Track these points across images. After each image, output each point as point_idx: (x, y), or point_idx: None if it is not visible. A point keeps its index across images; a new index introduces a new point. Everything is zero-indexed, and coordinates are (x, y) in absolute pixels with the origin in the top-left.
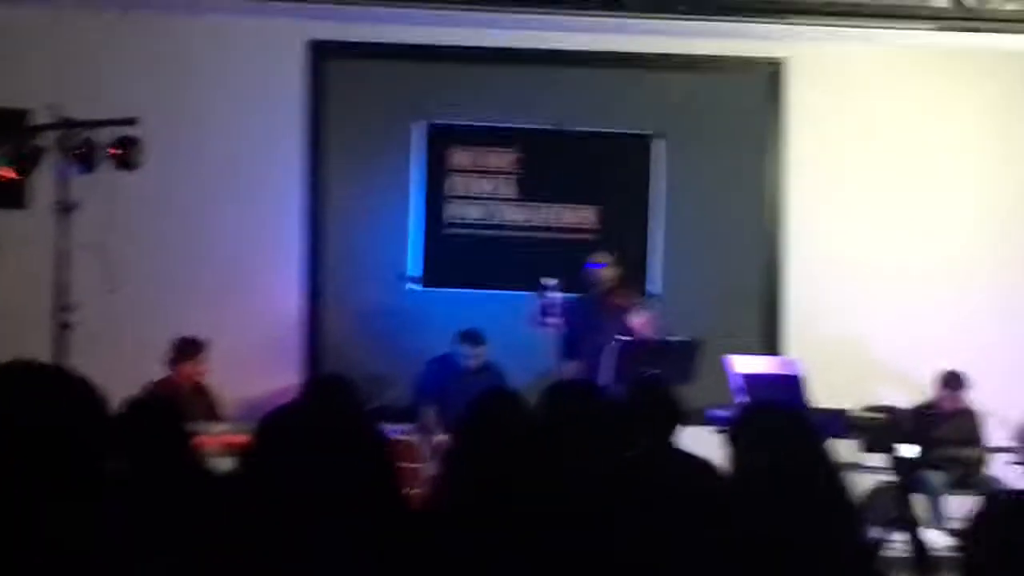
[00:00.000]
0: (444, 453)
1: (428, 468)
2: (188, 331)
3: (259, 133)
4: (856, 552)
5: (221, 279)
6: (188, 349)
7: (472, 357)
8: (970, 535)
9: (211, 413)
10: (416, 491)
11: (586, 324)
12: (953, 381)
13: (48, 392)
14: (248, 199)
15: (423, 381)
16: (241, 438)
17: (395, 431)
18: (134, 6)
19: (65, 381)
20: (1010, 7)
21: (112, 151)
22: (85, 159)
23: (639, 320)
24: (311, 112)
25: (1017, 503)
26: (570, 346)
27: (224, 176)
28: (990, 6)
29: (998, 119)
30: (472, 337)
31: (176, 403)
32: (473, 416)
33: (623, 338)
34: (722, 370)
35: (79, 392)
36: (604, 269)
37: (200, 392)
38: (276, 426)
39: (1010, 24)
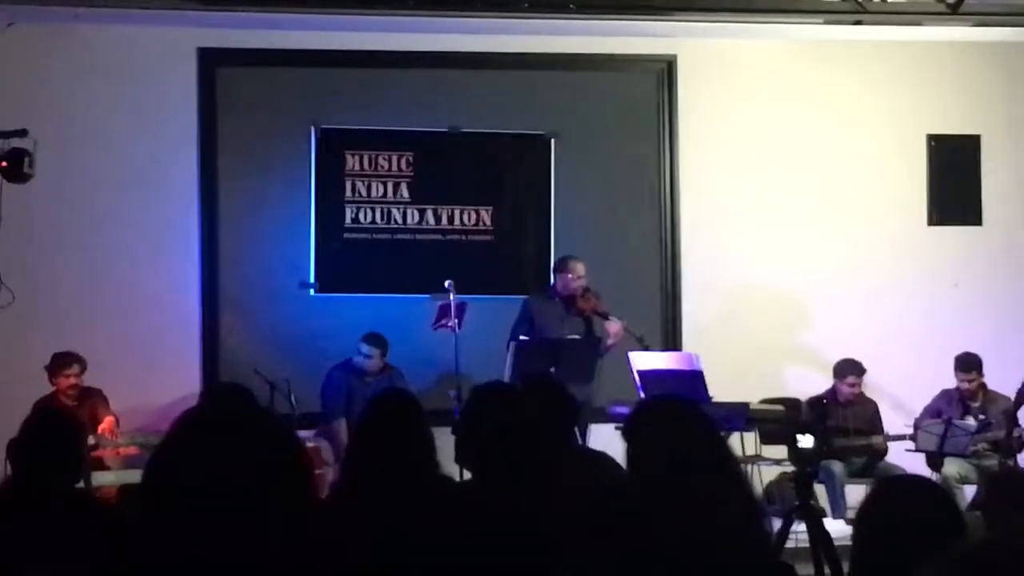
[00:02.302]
0: (345, 455)
1: (333, 472)
2: (84, 343)
3: (153, 141)
4: (757, 543)
5: (117, 289)
6: (55, 362)
7: (375, 359)
8: (861, 519)
9: (104, 411)
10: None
11: (554, 330)
12: (850, 370)
13: None
14: (143, 208)
15: (328, 393)
16: (133, 449)
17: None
18: (21, 17)
19: None
20: (895, 0)
21: (2, 164)
22: None
23: (615, 328)
24: (205, 120)
25: (905, 487)
26: (528, 354)
27: (118, 186)
28: None
29: (886, 108)
30: (376, 340)
31: (70, 419)
32: (371, 418)
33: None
34: (626, 367)
35: None
36: (580, 267)
37: (88, 396)
38: (180, 436)
39: (896, 16)
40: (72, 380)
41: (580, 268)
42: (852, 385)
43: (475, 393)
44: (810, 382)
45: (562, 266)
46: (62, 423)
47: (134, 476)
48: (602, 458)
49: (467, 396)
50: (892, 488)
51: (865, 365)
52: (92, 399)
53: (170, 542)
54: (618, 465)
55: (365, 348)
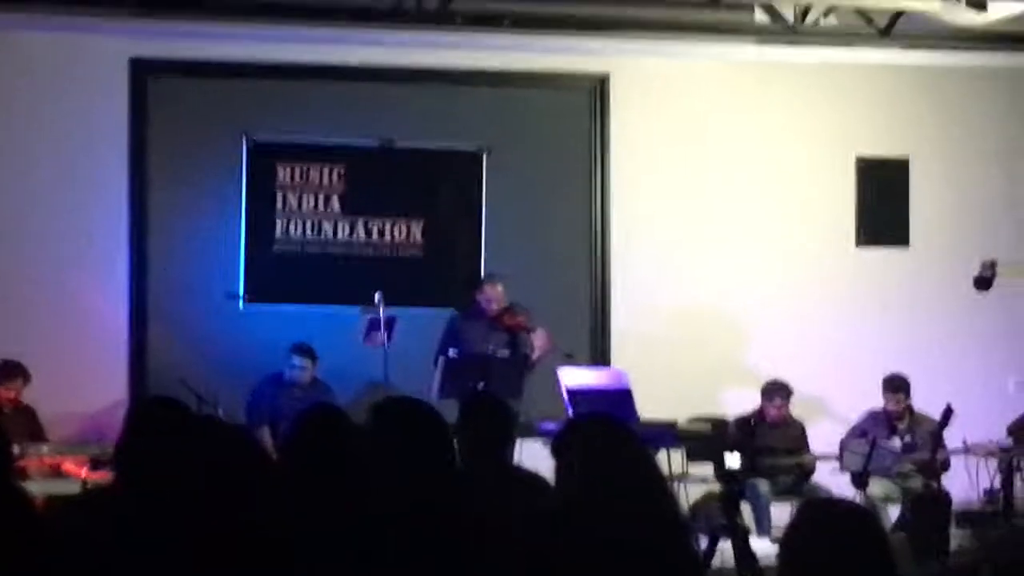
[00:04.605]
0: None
1: None
2: (12, 352)
3: (83, 150)
4: (683, 561)
5: (46, 299)
6: (3, 373)
7: (302, 369)
8: (787, 544)
9: (34, 434)
10: None
11: (479, 345)
12: (776, 391)
13: None
14: (73, 217)
15: (255, 401)
16: (66, 460)
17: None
18: None
19: None
20: (827, 22)
21: None
22: None
23: (541, 340)
24: (136, 129)
25: (830, 510)
26: (456, 370)
27: (48, 194)
28: (809, 21)
29: (817, 129)
30: (304, 350)
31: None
32: (297, 433)
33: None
34: (555, 383)
35: None
36: (496, 289)
37: (22, 414)
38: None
39: (828, 38)
40: (12, 394)
41: (491, 291)
42: (779, 407)
43: (375, 409)
44: (739, 401)
45: (478, 286)
46: None
47: (58, 487)
48: (534, 477)
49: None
50: (817, 511)
51: (794, 384)
52: (27, 416)
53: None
54: (549, 487)
55: (296, 360)
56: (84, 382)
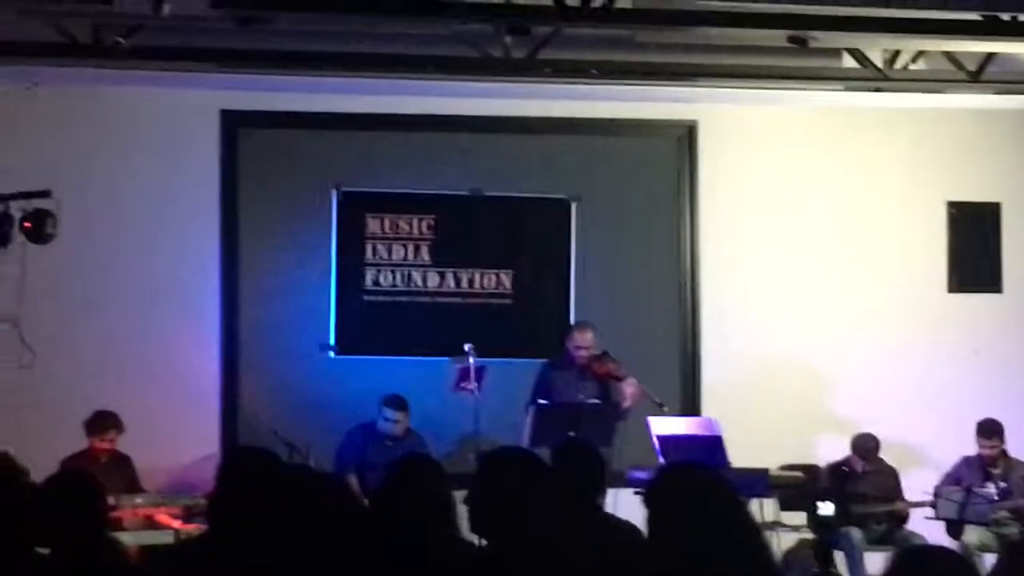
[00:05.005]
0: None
1: None
2: (105, 404)
3: (174, 203)
4: None
5: (138, 351)
6: (96, 422)
7: (395, 422)
8: None
9: (130, 485)
10: None
11: (569, 394)
12: (866, 445)
13: None
14: (164, 269)
15: (344, 448)
16: (161, 511)
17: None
18: (45, 78)
19: None
20: (916, 67)
21: (25, 224)
22: None
23: (632, 388)
24: (226, 181)
25: (927, 557)
26: (547, 418)
27: (139, 246)
28: (898, 66)
29: (907, 175)
30: (396, 402)
31: (91, 479)
32: (391, 481)
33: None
34: (646, 432)
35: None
36: (586, 336)
37: (119, 464)
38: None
39: (917, 83)
40: (107, 444)
41: (580, 338)
42: (868, 460)
43: (489, 459)
44: (830, 448)
45: (568, 334)
46: (83, 485)
47: (152, 537)
48: (627, 526)
49: (479, 462)
50: (914, 558)
51: (886, 431)
52: (123, 464)
53: None
54: (641, 533)
55: (389, 412)
56: (177, 434)
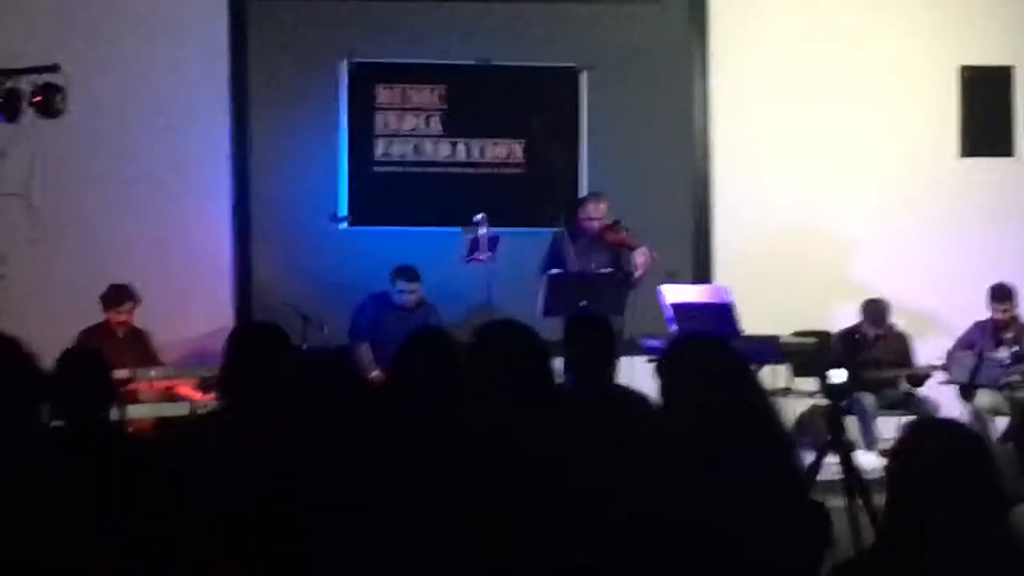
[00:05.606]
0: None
1: None
2: (117, 276)
3: (183, 75)
4: (788, 476)
5: (149, 223)
6: (112, 296)
7: (408, 293)
8: (893, 464)
9: (147, 358)
10: None
11: (581, 263)
12: (876, 309)
13: None
14: (174, 142)
15: (357, 318)
16: (177, 383)
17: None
18: None
19: None
20: None
21: (34, 99)
22: (7, 108)
23: (643, 257)
24: (235, 52)
25: (938, 429)
26: (559, 288)
27: (149, 120)
28: None
29: (918, 41)
30: (408, 273)
31: (101, 354)
32: (406, 354)
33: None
34: (657, 300)
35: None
36: (599, 206)
37: (135, 337)
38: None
39: None
40: (123, 317)
41: (593, 208)
42: (879, 325)
43: (483, 332)
44: (844, 316)
45: (580, 204)
46: (88, 357)
47: (168, 409)
48: (637, 397)
49: (473, 335)
50: (922, 433)
51: (898, 297)
52: (139, 338)
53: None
54: (651, 404)
55: (401, 284)
56: (191, 308)
